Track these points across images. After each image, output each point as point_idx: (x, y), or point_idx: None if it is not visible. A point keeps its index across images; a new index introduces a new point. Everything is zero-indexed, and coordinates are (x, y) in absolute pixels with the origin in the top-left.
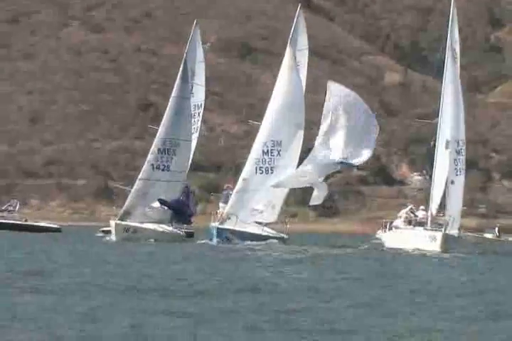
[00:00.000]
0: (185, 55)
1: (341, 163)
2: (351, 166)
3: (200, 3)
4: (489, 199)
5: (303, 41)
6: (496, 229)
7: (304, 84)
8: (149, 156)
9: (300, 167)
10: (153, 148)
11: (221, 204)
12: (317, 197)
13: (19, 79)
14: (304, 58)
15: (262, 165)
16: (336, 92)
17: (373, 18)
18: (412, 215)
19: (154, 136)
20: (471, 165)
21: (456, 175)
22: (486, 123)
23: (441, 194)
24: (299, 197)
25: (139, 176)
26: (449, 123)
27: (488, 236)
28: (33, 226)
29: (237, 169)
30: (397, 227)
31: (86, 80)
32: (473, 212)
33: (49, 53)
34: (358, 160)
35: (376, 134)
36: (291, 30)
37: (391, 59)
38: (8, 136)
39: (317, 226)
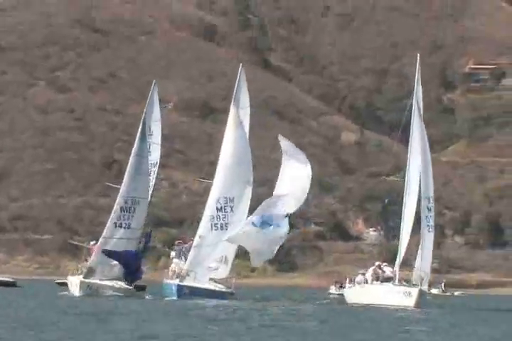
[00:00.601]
0: (144, 114)
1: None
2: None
3: (162, 64)
4: (442, 255)
5: (245, 100)
6: (442, 284)
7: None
8: (112, 214)
9: (248, 226)
10: (116, 206)
11: (174, 260)
12: (257, 260)
13: None
14: (246, 116)
15: (216, 222)
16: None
17: (331, 79)
18: (379, 271)
19: (117, 193)
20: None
21: (428, 231)
22: (438, 181)
23: (404, 250)
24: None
25: (103, 234)
26: (418, 181)
27: (434, 291)
28: None
29: (198, 224)
30: (359, 283)
31: (52, 139)
32: None
33: (16, 112)
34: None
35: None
36: (234, 89)
37: (347, 119)
38: None
39: (275, 280)
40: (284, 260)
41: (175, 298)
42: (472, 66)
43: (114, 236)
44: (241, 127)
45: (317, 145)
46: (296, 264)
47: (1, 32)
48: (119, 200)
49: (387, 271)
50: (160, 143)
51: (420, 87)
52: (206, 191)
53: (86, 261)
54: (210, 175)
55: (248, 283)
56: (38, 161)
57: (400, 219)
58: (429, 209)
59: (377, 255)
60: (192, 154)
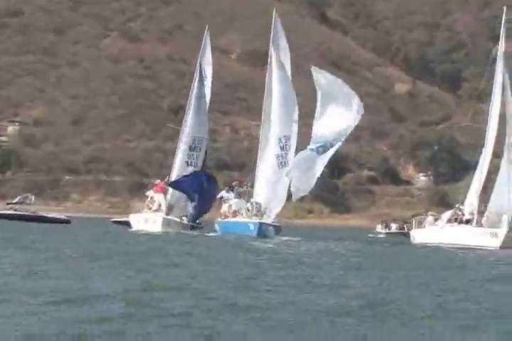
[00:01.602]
0: (199, 58)
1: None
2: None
3: (226, 18)
4: (489, 198)
5: (283, 42)
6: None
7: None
8: (180, 154)
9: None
10: (185, 146)
11: (235, 200)
12: (299, 191)
13: (63, 85)
14: (286, 58)
15: (281, 160)
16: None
17: (385, 33)
18: (459, 213)
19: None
20: (472, 167)
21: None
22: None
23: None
24: (315, 194)
25: (174, 173)
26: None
27: None
28: (43, 217)
29: (255, 166)
30: (431, 224)
31: (123, 86)
32: None
33: (91, 61)
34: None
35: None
36: (271, 33)
37: (400, 70)
38: (53, 136)
39: (331, 221)
40: (338, 202)
41: (254, 235)
42: None
43: (185, 174)
44: (283, 68)
45: (371, 95)
46: (350, 206)
47: None
48: (187, 140)
49: (466, 212)
50: (210, 85)
51: (503, 41)
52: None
53: (148, 197)
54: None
55: (305, 223)
56: (110, 107)
57: (449, 165)
58: None
59: (427, 199)
60: (253, 102)
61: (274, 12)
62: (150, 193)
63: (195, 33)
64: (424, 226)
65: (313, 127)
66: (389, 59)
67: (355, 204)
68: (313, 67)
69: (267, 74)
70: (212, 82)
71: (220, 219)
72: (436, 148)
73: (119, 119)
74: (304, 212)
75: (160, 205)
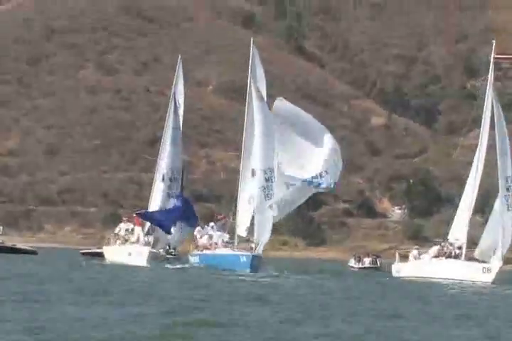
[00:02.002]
0: (172, 89)
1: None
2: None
3: (203, 50)
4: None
5: (260, 73)
6: None
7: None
8: (161, 185)
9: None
10: (165, 177)
11: (217, 233)
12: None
13: (38, 115)
14: (263, 88)
15: (267, 192)
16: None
17: (361, 65)
18: (450, 247)
19: (155, 166)
20: (446, 201)
21: (508, 210)
22: (461, 163)
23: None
24: (291, 226)
25: (155, 204)
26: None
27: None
28: (10, 248)
29: (235, 198)
30: (417, 258)
31: (99, 117)
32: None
33: (67, 92)
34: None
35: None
36: (249, 65)
37: (376, 103)
38: (28, 167)
39: (305, 253)
40: (314, 234)
41: (247, 270)
42: (496, 56)
43: (167, 205)
44: (263, 100)
45: (347, 128)
46: (325, 239)
47: (53, 16)
48: (166, 171)
49: (455, 247)
50: (182, 114)
51: (492, 72)
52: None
53: (121, 230)
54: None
55: (279, 255)
56: (86, 138)
57: (424, 198)
58: (508, 189)
59: (401, 232)
60: (230, 134)
61: (251, 44)
62: (125, 225)
63: (171, 64)
64: (409, 260)
65: (284, 166)
66: (365, 92)
67: (330, 236)
68: (279, 99)
69: (246, 106)
70: (187, 113)
71: (197, 251)
72: (411, 181)
73: (94, 150)
74: (279, 243)
75: (138, 238)
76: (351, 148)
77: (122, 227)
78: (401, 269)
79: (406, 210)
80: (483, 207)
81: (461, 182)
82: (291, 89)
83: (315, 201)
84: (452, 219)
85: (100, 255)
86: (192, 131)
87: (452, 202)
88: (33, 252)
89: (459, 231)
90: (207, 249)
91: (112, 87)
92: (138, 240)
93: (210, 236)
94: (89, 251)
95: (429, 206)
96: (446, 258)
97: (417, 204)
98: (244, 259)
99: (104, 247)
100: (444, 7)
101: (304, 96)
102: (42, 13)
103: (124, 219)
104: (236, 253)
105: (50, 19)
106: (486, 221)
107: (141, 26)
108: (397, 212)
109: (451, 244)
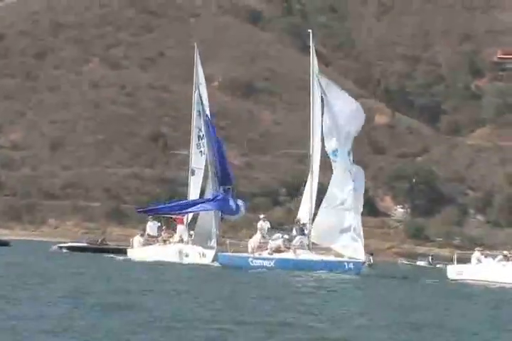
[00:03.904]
0: (194, 80)
1: None
2: None
3: (208, 46)
4: (464, 232)
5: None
6: (430, 257)
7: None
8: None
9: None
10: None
11: (300, 237)
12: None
13: (43, 109)
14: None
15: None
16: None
17: (366, 64)
18: None
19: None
20: (448, 200)
21: None
22: (464, 163)
23: None
24: None
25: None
26: None
27: (421, 263)
28: None
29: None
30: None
31: (103, 112)
32: (449, 244)
33: (71, 86)
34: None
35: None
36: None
37: (380, 102)
38: (31, 161)
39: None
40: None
41: (354, 274)
42: (500, 56)
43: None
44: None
45: None
46: None
47: (59, 11)
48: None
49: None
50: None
51: None
52: (248, 166)
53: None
54: (251, 150)
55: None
56: (89, 133)
57: (426, 197)
58: None
59: (403, 231)
60: (233, 131)
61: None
62: (153, 224)
63: (177, 60)
64: (471, 262)
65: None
66: (370, 90)
67: None
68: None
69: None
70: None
71: (262, 254)
72: (414, 180)
73: (98, 145)
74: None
75: (181, 237)
76: (355, 146)
77: (152, 226)
78: (465, 271)
79: (408, 209)
80: (485, 207)
81: (464, 182)
82: (298, 86)
83: (318, 199)
84: None
85: (80, 249)
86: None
87: (454, 202)
88: (5, 243)
89: None
90: (279, 251)
91: (116, 82)
92: (181, 239)
93: (290, 239)
94: (67, 245)
95: (431, 205)
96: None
97: (419, 204)
98: (349, 266)
99: (136, 247)
100: (450, 7)
101: (309, 93)
102: (48, 8)
103: (149, 217)
104: (339, 260)
105: (57, 13)
106: (487, 221)
107: (147, 21)
108: (399, 211)
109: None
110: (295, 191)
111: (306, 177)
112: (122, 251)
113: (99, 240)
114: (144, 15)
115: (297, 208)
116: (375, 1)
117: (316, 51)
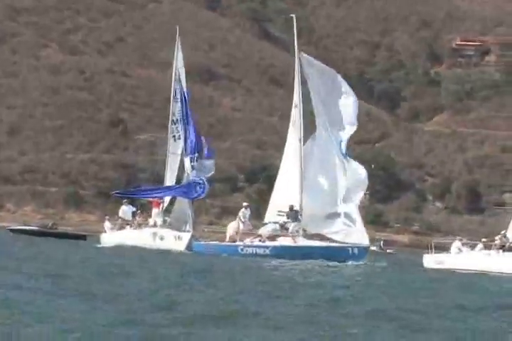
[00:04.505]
0: (174, 62)
1: None
2: None
3: (167, 31)
4: (422, 218)
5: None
6: (381, 242)
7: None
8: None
9: None
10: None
11: (295, 223)
12: None
13: (0, 95)
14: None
15: None
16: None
17: (325, 50)
18: (505, 240)
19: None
20: (407, 186)
21: None
22: (422, 149)
23: None
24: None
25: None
26: None
27: (373, 248)
28: None
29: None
30: (461, 250)
31: (62, 97)
32: (407, 230)
33: (29, 72)
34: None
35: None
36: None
37: None
38: None
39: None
40: None
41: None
42: (459, 42)
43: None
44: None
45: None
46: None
47: None
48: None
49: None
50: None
51: None
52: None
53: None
54: (211, 136)
55: None
56: (47, 118)
57: (384, 184)
58: None
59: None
60: (194, 116)
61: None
62: (127, 208)
63: (135, 45)
64: (451, 252)
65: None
66: None
67: None
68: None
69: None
70: (151, 96)
71: (252, 241)
72: (372, 166)
73: (56, 130)
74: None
75: (155, 221)
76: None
77: (126, 210)
78: (444, 261)
79: (367, 195)
80: (443, 193)
81: (423, 169)
82: (258, 71)
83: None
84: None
85: (30, 232)
86: (157, 113)
87: (413, 188)
88: None
89: None
90: (271, 239)
91: (75, 67)
92: (155, 223)
93: (282, 225)
94: (17, 227)
95: (390, 191)
96: (504, 251)
97: (378, 190)
98: (353, 251)
99: (108, 232)
100: None
101: (269, 79)
102: None
103: (124, 201)
104: (343, 246)
105: None
106: (446, 207)
107: (106, 6)
108: None
109: (505, 236)
110: (254, 177)
111: (265, 162)
112: (80, 237)
113: (50, 224)
114: (103, 0)
115: (262, 193)
116: None
117: (277, 37)
